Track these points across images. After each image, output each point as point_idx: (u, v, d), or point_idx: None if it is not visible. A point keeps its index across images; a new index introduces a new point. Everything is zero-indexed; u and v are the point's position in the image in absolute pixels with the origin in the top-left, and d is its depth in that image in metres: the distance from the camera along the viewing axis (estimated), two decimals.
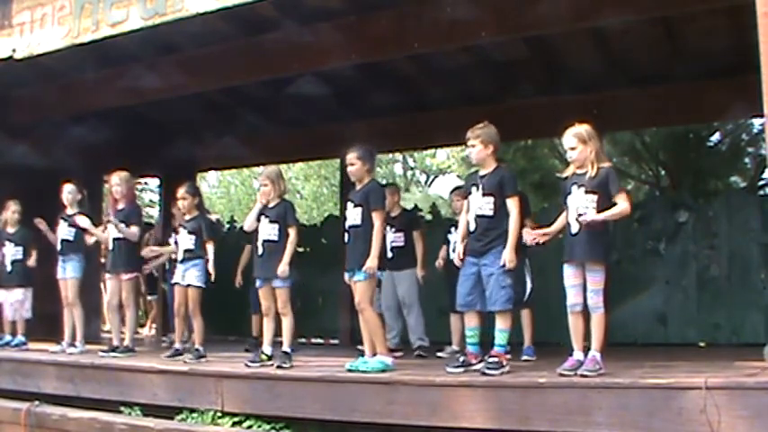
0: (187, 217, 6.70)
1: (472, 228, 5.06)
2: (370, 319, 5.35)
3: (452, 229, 6.47)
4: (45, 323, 7.70)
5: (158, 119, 9.47)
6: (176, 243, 6.91)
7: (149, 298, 11.17)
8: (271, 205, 5.95)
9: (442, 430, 4.54)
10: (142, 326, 11.91)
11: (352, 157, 5.47)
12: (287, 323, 5.82)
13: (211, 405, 5.46)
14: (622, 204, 4.58)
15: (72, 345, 7.15)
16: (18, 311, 7.69)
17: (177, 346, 6.64)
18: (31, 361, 6.86)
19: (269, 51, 6.97)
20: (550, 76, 7.86)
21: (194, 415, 5.51)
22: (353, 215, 5.40)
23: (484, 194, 5.01)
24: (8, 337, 7.73)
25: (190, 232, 6.56)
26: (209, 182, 25.81)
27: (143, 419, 5.63)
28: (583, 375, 4.37)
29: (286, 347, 5.73)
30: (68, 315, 7.26)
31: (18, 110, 8.55)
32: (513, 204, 4.96)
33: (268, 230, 5.85)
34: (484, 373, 4.70)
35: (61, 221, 7.28)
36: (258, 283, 5.95)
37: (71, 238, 7.22)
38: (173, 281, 6.81)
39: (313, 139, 9.75)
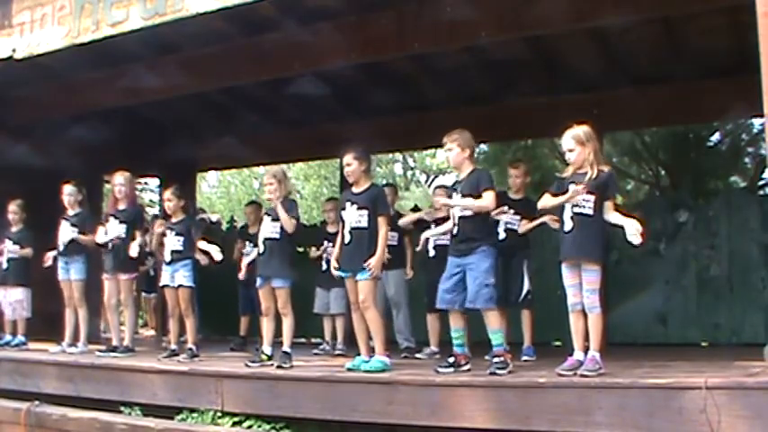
0: (174, 219, 6.70)
1: (455, 231, 5.13)
2: (374, 319, 5.34)
3: (432, 226, 6.43)
4: (45, 323, 7.69)
5: (158, 119, 9.47)
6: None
7: (146, 296, 11.17)
8: (273, 204, 5.95)
9: (441, 430, 4.54)
10: (145, 325, 11.92)
11: (349, 157, 5.51)
12: (287, 323, 5.81)
13: (211, 405, 5.46)
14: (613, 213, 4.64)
15: (73, 345, 7.14)
16: (17, 311, 7.69)
17: (173, 346, 6.63)
18: (31, 361, 6.85)
19: (269, 51, 6.97)
20: (550, 76, 7.86)
21: (194, 415, 5.51)
22: (357, 217, 5.39)
23: (463, 197, 5.09)
24: (8, 337, 7.74)
25: (177, 234, 6.57)
26: (210, 182, 25.78)
27: (143, 419, 5.63)
28: (583, 375, 4.37)
29: (286, 348, 5.72)
30: (71, 315, 7.24)
31: (18, 110, 8.53)
32: (489, 196, 5.00)
33: (270, 228, 5.87)
34: (493, 374, 4.71)
35: (63, 222, 7.24)
36: (259, 281, 5.95)
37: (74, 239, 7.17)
38: (161, 283, 6.76)
39: (313, 139, 9.73)
